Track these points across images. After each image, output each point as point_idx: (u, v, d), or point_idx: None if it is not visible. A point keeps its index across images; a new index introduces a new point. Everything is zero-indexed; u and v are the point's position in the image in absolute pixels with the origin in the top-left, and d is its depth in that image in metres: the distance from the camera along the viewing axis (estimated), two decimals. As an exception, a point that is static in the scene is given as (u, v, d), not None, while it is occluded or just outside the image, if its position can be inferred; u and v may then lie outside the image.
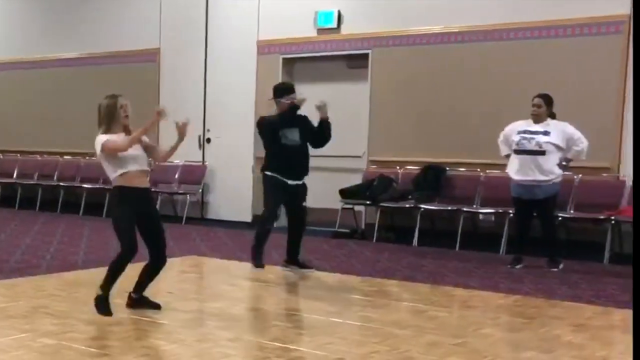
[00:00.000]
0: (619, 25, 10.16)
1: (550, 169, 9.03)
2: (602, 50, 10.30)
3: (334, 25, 12.52)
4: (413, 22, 11.75)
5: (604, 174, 10.17)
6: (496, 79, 11.10)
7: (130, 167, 6.24)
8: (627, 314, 6.85)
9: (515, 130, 9.28)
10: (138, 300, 6.48)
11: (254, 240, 8.57)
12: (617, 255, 9.93)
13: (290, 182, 8.39)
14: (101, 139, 6.26)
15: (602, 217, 9.86)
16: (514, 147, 9.20)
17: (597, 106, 10.03)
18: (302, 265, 8.68)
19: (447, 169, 11.43)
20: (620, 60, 10.15)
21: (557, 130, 9.06)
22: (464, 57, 11.37)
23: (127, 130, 6.32)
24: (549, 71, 10.65)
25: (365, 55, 12.29)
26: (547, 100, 9.17)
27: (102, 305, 6.11)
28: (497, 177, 11.03)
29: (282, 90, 8.54)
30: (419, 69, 11.77)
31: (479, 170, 11.22)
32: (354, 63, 12.57)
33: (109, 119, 6.30)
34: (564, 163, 9.14)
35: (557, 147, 9.03)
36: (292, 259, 8.69)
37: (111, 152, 6.20)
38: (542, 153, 9.01)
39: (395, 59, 11.99)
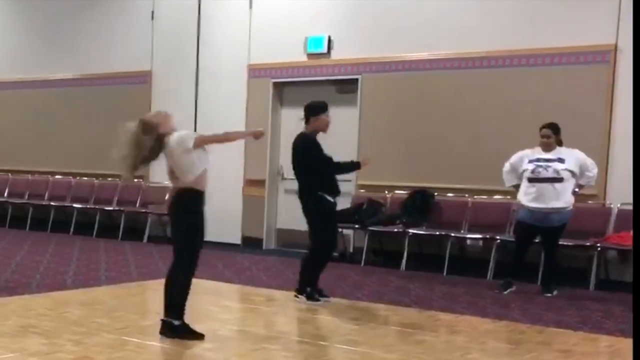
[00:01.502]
0: (605, 54, 10.27)
1: (567, 196, 9.10)
2: (588, 79, 10.40)
3: (324, 50, 12.62)
4: (402, 48, 11.86)
5: (590, 202, 10.23)
6: (484, 106, 11.18)
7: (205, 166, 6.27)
8: (613, 340, 6.94)
9: (524, 159, 9.30)
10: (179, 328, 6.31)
11: (313, 270, 8.43)
12: (602, 281, 10.00)
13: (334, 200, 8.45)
14: (188, 133, 6.28)
15: (588, 244, 9.93)
16: (529, 175, 9.18)
17: (583, 134, 10.10)
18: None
19: (435, 194, 11.48)
20: (606, 90, 10.26)
21: (571, 157, 9.13)
22: (453, 84, 11.47)
23: None
24: (535, 99, 10.75)
25: (355, 81, 12.38)
26: (555, 129, 9.23)
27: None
28: (485, 203, 11.13)
29: (318, 108, 8.48)
30: (407, 95, 11.87)
31: (467, 195, 11.30)
32: (343, 88, 12.66)
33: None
34: (576, 189, 9.22)
35: (573, 173, 9.10)
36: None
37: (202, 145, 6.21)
38: (560, 180, 9.05)
39: (384, 85, 12.09)
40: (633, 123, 8.74)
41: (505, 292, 9.31)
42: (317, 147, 8.38)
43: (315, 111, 8.44)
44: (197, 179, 6.17)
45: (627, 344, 6.80)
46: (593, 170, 9.20)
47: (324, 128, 8.44)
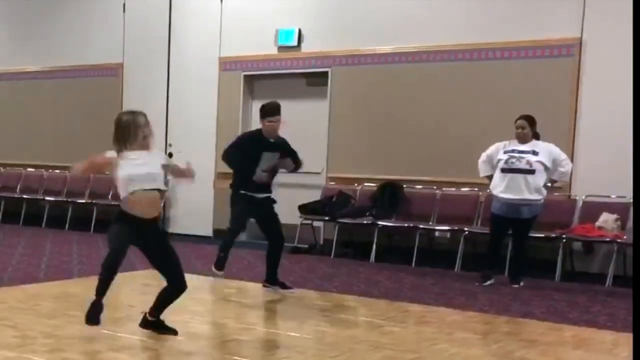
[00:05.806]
0: (570, 48, 10.39)
1: (539, 189, 9.19)
2: (554, 73, 10.53)
3: (295, 43, 12.67)
4: (372, 41, 11.94)
5: (556, 194, 10.35)
6: (452, 99, 11.28)
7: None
8: (578, 330, 7.06)
9: (500, 149, 9.39)
10: (153, 324, 6.26)
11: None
12: (568, 272, 10.14)
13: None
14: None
15: (554, 235, 10.06)
16: (502, 165, 9.28)
17: (548, 127, 10.19)
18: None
19: (404, 186, 11.58)
20: (571, 83, 10.39)
21: (545, 151, 9.23)
22: (421, 76, 11.56)
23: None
24: (502, 92, 10.88)
25: (325, 74, 12.46)
26: (530, 121, 9.32)
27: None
28: (453, 195, 11.24)
29: (262, 112, 8.38)
30: (377, 87, 11.96)
31: (435, 187, 11.40)
32: (313, 81, 12.72)
33: (126, 137, 5.97)
34: (548, 184, 9.33)
35: (545, 166, 9.20)
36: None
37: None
38: (532, 172, 9.15)
39: (354, 78, 12.17)
40: (633, 122, 8.84)
41: (485, 284, 9.38)
42: (236, 145, 8.48)
43: (262, 114, 8.39)
44: None
45: (591, 333, 6.96)
46: (566, 166, 9.31)
47: (268, 134, 8.32)
